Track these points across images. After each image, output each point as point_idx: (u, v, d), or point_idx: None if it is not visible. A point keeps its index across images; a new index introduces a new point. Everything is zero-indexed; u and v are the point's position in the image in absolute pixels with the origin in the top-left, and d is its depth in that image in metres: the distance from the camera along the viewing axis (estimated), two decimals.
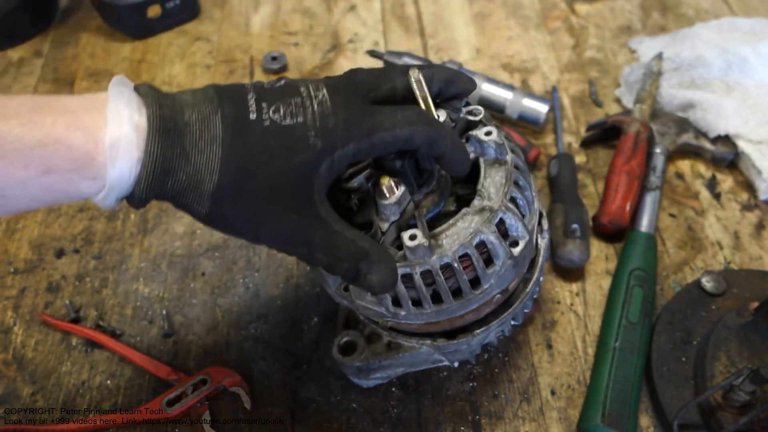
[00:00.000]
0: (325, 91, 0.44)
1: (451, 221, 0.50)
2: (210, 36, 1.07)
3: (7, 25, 1.03)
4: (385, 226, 0.49)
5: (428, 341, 0.57)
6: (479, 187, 0.52)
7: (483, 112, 0.54)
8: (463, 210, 0.50)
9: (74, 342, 0.71)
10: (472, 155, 0.53)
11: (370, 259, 0.44)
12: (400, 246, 0.49)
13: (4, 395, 0.67)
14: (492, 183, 0.52)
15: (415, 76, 0.48)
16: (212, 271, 0.76)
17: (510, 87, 0.89)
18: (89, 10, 1.09)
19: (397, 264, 0.48)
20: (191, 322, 0.72)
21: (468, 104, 0.55)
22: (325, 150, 0.43)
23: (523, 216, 0.52)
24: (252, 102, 0.43)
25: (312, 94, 0.44)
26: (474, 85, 0.52)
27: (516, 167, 0.53)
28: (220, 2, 1.12)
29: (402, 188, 0.48)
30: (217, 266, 0.77)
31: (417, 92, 0.49)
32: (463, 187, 0.57)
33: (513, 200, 0.52)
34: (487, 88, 0.89)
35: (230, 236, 0.46)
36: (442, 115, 0.51)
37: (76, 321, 0.72)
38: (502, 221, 0.51)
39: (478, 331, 0.57)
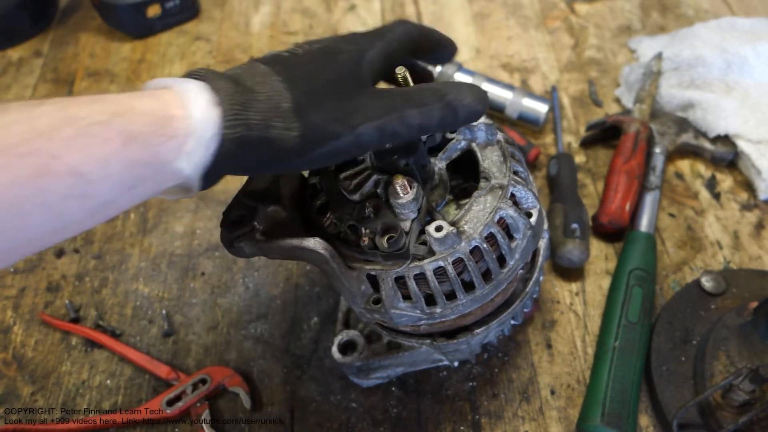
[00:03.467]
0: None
1: (465, 207, 0.51)
2: (210, 36, 1.07)
3: (7, 25, 1.03)
4: (406, 225, 0.49)
5: (428, 341, 0.58)
6: (481, 169, 0.52)
7: None
8: (475, 193, 0.51)
9: (74, 342, 0.71)
10: (463, 143, 0.55)
11: (451, 89, 0.47)
12: (422, 243, 0.49)
13: (4, 395, 0.67)
14: (492, 163, 0.53)
15: (401, 73, 0.49)
16: (212, 271, 0.76)
17: (510, 87, 0.89)
18: (89, 9, 1.09)
19: (427, 260, 0.48)
20: (191, 321, 0.72)
21: None
22: (361, 49, 0.48)
23: (528, 185, 0.53)
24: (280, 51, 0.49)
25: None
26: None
27: (507, 142, 0.54)
28: (220, 2, 1.12)
29: (415, 185, 0.49)
30: (217, 266, 0.77)
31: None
32: (454, 178, 0.57)
33: (516, 173, 0.53)
34: (486, 88, 0.89)
35: (333, 163, 0.50)
36: None
37: (75, 321, 0.72)
38: (513, 195, 0.52)
39: (477, 330, 0.57)
